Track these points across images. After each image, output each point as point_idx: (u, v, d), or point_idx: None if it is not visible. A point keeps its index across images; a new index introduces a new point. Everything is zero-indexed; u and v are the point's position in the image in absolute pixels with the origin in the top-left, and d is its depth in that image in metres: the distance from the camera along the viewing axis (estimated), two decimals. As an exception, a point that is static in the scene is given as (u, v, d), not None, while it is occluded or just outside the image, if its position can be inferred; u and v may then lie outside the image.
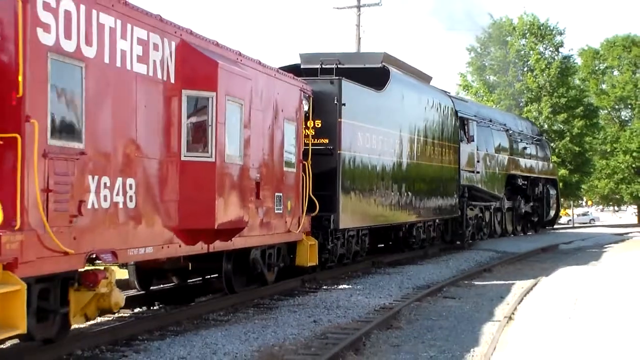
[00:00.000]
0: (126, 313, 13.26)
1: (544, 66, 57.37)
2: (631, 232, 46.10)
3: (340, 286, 17.29)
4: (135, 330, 11.35)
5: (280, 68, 17.60)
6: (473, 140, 28.38)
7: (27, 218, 8.24)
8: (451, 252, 26.19)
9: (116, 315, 12.69)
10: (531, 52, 58.32)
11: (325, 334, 12.01)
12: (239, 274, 14.93)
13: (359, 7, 41.06)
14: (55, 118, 8.71)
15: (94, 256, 9.54)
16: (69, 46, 8.96)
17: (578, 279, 19.34)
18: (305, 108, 17.07)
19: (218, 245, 12.89)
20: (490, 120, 31.93)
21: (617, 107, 70.89)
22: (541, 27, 59.45)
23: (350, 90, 18.61)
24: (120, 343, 10.61)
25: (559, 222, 52.66)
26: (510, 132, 34.47)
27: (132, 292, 14.36)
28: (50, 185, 8.61)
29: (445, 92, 28.86)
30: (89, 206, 9.37)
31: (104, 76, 9.69)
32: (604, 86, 70.48)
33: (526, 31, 59.33)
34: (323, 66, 20.20)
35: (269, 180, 14.82)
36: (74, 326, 10.26)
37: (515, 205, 35.77)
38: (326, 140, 18.03)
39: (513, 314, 14.26)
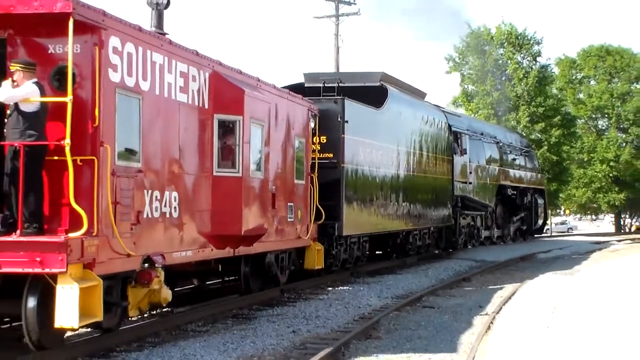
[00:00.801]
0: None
1: (521, 75, 57.74)
2: (609, 241, 46.16)
3: (320, 296, 17.29)
4: (113, 342, 11.29)
5: (286, 87, 19.41)
6: (465, 153, 30.16)
7: (101, 226, 9.95)
8: (430, 261, 26.34)
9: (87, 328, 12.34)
10: (509, 61, 58.62)
11: (305, 344, 12.02)
12: (255, 275, 16.61)
13: (337, 16, 41.87)
14: (120, 142, 10.45)
15: (148, 258, 11.23)
16: (130, 82, 10.72)
17: (556, 288, 19.29)
18: (312, 125, 18.79)
19: (242, 249, 14.62)
20: (482, 133, 33.66)
21: (594, 116, 71.31)
22: (519, 37, 59.78)
23: (352, 109, 20.34)
24: (97, 355, 10.68)
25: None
26: (501, 144, 36.10)
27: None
28: (117, 198, 10.33)
29: (439, 107, 30.70)
30: (145, 216, 11.11)
31: (155, 106, 11.44)
32: (580, 95, 70.90)
33: (504, 41, 59.64)
34: (325, 85, 21.77)
35: (283, 192, 16.53)
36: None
37: (505, 214, 37.47)
38: (331, 155, 19.72)
39: (492, 323, 14.27)
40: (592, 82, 71.76)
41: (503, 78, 58.49)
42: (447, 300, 17.79)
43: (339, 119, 19.79)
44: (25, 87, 9.54)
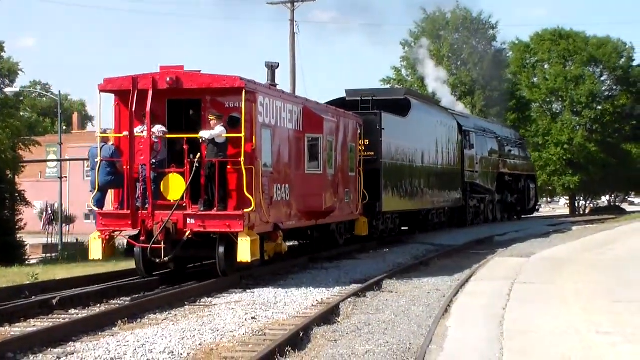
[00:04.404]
0: (61, 314, 13.74)
1: (477, 60, 59.00)
2: (563, 223, 46.48)
3: (278, 282, 17.84)
4: (69, 331, 11.60)
5: (330, 102, 26.79)
6: (473, 147, 37.51)
7: (256, 204, 17.30)
8: (388, 246, 27.18)
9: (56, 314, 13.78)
10: (464, 46, 59.61)
11: (263, 331, 12.15)
12: (321, 240, 23.97)
13: (292, 2, 41.24)
14: (264, 157, 17.87)
15: (275, 224, 18.62)
16: (267, 121, 18.15)
17: (512, 270, 19.60)
18: (359, 132, 26.07)
19: (320, 221, 22.04)
20: (484, 130, 40.84)
21: (548, 99, 70.28)
22: (474, 22, 61.11)
23: (387, 118, 27.67)
24: (54, 345, 11.04)
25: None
26: (499, 138, 43.08)
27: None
28: (263, 189, 17.74)
29: (452, 111, 38.10)
30: (274, 199, 18.56)
31: (278, 133, 18.85)
32: (535, 79, 69.99)
33: (459, 25, 60.57)
34: (363, 98, 29.03)
35: (342, 182, 23.84)
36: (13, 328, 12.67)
37: (503, 197, 44.05)
38: (372, 153, 26.98)
39: (449, 306, 14.34)
40: (546, 66, 70.60)
41: (458, 63, 58.98)
42: (405, 284, 18.07)
43: (378, 127, 27.10)
44: (218, 129, 16.93)
